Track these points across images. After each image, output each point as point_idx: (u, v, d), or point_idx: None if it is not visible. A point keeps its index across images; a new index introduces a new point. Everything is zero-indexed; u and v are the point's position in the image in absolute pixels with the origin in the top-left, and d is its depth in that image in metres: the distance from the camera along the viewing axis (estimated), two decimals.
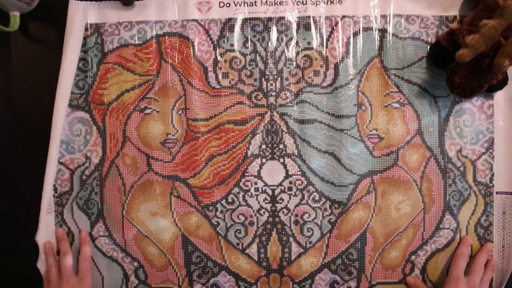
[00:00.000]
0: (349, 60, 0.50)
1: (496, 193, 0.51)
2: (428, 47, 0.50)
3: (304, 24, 0.50)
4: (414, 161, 0.51)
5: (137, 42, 0.51)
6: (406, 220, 0.51)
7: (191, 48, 0.50)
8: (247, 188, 0.51)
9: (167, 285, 0.52)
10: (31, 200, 0.50)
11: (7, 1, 0.48)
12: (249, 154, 0.50)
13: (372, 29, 0.50)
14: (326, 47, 0.50)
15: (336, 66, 0.50)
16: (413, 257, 0.51)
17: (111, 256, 0.52)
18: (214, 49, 0.50)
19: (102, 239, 0.51)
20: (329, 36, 0.50)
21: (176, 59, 0.51)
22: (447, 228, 0.51)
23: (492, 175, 0.51)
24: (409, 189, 0.51)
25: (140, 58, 0.51)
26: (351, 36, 0.50)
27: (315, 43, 0.50)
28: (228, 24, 0.50)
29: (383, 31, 0.51)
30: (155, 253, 0.51)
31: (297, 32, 0.50)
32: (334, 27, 0.50)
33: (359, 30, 0.50)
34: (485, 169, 0.51)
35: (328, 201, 0.51)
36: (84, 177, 0.51)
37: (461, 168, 0.51)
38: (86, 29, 0.51)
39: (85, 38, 0.51)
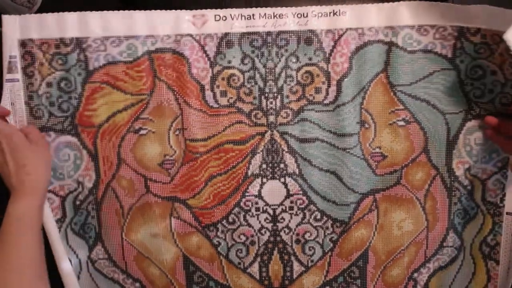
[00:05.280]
0: (352, 76, 0.48)
1: (507, 213, 0.49)
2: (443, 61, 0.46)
3: (305, 39, 0.48)
4: (418, 179, 0.50)
5: (127, 59, 0.47)
6: (408, 238, 0.50)
7: (186, 65, 0.48)
8: (248, 208, 0.50)
9: None
10: None
11: (8, 4, 0.46)
12: (249, 174, 0.49)
13: (378, 42, 0.47)
14: (328, 62, 0.48)
15: (339, 83, 0.48)
16: (415, 274, 0.51)
17: (112, 277, 0.51)
18: (211, 66, 0.48)
19: (102, 262, 0.51)
20: (332, 50, 0.48)
21: (171, 77, 0.48)
22: (450, 246, 0.51)
23: (504, 195, 0.48)
24: (412, 207, 0.50)
25: (132, 77, 0.48)
26: (355, 51, 0.47)
27: (316, 59, 0.48)
28: (225, 39, 0.48)
29: (390, 44, 0.47)
30: (157, 273, 0.51)
31: (297, 47, 0.48)
32: (337, 41, 0.47)
33: (364, 44, 0.47)
34: (496, 188, 0.49)
35: (329, 220, 0.50)
36: (77, 202, 0.49)
37: (468, 187, 0.49)
38: (65, 45, 0.46)
39: (65, 55, 0.46)
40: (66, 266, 0.49)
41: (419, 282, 0.51)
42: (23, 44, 0.46)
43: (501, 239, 0.50)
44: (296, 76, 0.48)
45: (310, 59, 0.48)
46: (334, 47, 0.48)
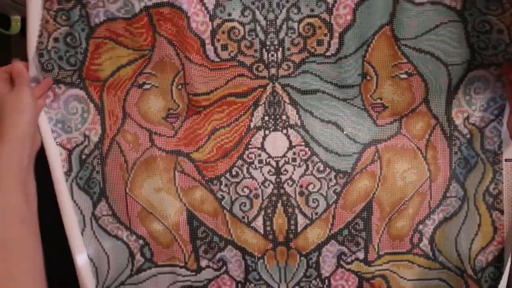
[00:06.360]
0: (356, 28, 0.47)
1: (505, 160, 0.50)
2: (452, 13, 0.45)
3: None
4: (419, 129, 0.50)
5: (125, 16, 0.47)
6: (412, 189, 0.50)
7: (185, 19, 0.47)
8: (251, 160, 0.50)
9: (173, 262, 0.52)
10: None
11: (9, 4, 0.47)
12: (252, 126, 0.50)
13: None
14: (331, 14, 0.47)
15: (341, 35, 0.48)
16: (420, 226, 0.51)
17: (116, 235, 0.51)
18: (211, 20, 0.47)
19: (106, 218, 0.51)
20: (335, 1, 0.46)
21: (171, 31, 0.48)
22: (454, 197, 0.51)
23: (501, 142, 0.49)
24: (414, 157, 0.50)
25: (132, 33, 0.48)
26: (360, 2, 0.46)
27: (319, 10, 0.47)
28: None
29: None
30: (160, 230, 0.51)
31: None
32: None
33: None
34: (493, 136, 0.49)
35: (332, 171, 0.50)
36: (83, 157, 0.50)
37: (468, 136, 0.50)
38: (66, 0, 0.47)
39: (67, 11, 0.47)
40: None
41: (425, 234, 0.51)
42: None
43: (503, 187, 0.50)
44: (298, 28, 0.48)
45: (312, 10, 0.47)
46: None
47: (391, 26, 0.47)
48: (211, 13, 0.48)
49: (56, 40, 0.48)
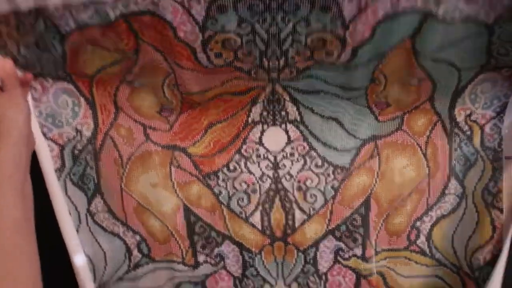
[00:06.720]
0: (372, 44, 0.41)
1: (506, 158, 0.49)
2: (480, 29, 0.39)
3: (321, 5, 0.39)
4: (420, 125, 0.49)
5: (100, 23, 0.40)
6: (410, 185, 0.50)
7: (171, 30, 0.40)
8: (249, 154, 0.50)
9: (171, 258, 0.51)
10: None
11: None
12: (249, 121, 0.49)
13: (413, 11, 0.38)
14: (347, 29, 0.40)
15: (355, 50, 0.41)
16: (418, 223, 0.51)
17: (112, 231, 0.51)
18: (201, 31, 0.40)
19: (101, 214, 0.50)
20: (353, 19, 0.39)
21: (156, 39, 0.42)
22: (452, 194, 0.50)
23: (501, 139, 0.48)
24: (413, 154, 0.50)
25: (111, 37, 0.42)
26: (382, 20, 0.39)
27: (332, 26, 0.40)
28: (215, 4, 0.39)
29: (427, 14, 0.39)
30: (157, 225, 0.50)
31: (310, 12, 0.39)
32: (363, 9, 0.38)
33: (395, 14, 0.39)
34: (493, 133, 0.48)
35: (330, 167, 0.50)
36: (76, 152, 0.48)
37: (468, 133, 0.49)
38: (25, 16, 0.39)
39: (31, 24, 0.40)
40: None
41: (422, 231, 0.51)
42: None
43: (503, 186, 0.50)
44: (306, 41, 0.41)
45: (324, 26, 0.40)
46: (356, 15, 0.39)
47: (412, 40, 0.41)
48: (201, 24, 0.40)
49: (27, 47, 0.42)
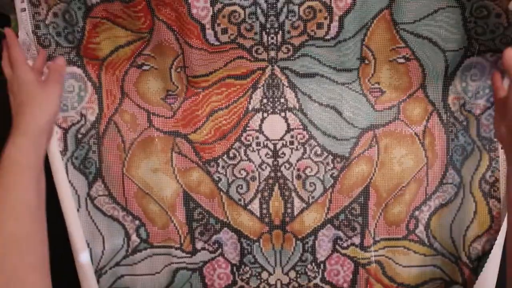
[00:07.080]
0: (356, 12, 0.47)
1: (502, 148, 0.50)
2: None
3: None
4: (416, 115, 0.50)
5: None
6: (409, 175, 0.50)
7: (186, 6, 0.45)
8: (249, 142, 0.50)
9: (169, 243, 0.51)
10: None
11: (8, 4, 0.47)
12: (250, 109, 0.50)
13: None
14: None
15: (341, 19, 0.48)
16: (416, 212, 0.51)
17: (112, 215, 0.51)
18: (212, 5, 0.46)
19: (102, 199, 0.51)
20: None
21: (170, 16, 0.46)
22: (450, 183, 0.51)
23: None
24: (411, 143, 0.50)
25: (130, 16, 0.46)
26: None
27: None
28: None
29: None
30: (156, 210, 0.51)
31: None
32: None
33: None
34: (489, 123, 0.49)
35: (330, 155, 0.50)
36: (79, 136, 0.49)
37: (464, 123, 0.50)
38: None
39: None
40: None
41: (421, 221, 0.51)
42: None
43: (500, 175, 0.50)
44: (298, 11, 0.48)
45: None
46: None
47: (390, 10, 0.47)
48: None
49: (55, 15, 0.47)
